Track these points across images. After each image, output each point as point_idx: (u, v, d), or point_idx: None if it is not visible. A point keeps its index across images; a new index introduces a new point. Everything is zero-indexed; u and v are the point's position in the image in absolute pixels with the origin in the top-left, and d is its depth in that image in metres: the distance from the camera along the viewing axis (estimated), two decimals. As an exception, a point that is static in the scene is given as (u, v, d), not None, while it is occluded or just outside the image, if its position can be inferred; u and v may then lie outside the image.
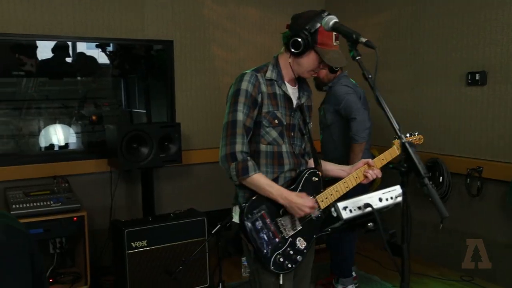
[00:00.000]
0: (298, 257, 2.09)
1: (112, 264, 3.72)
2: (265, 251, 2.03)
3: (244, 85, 2.05)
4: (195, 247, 3.46)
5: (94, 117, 6.08)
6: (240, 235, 2.07)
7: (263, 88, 2.08)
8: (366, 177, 2.16)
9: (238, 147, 2.02)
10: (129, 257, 3.33)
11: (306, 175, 2.15)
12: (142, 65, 5.51)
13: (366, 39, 1.65)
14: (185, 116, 4.36)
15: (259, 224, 2.03)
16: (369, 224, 1.63)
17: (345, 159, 3.36)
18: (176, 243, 3.48)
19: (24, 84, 6.11)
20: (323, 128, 3.60)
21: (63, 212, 3.51)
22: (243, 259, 3.95)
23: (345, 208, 1.59)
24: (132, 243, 3.34)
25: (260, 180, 2.04)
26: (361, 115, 3.27)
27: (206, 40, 4.50)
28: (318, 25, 1.96)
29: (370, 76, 1.64)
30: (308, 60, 2.07)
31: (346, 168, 2.25)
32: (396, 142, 2.53)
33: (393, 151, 2.41)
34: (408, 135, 2.48)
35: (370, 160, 2.19)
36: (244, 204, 2.05)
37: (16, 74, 5.74)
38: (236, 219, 2.14)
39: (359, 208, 1.60)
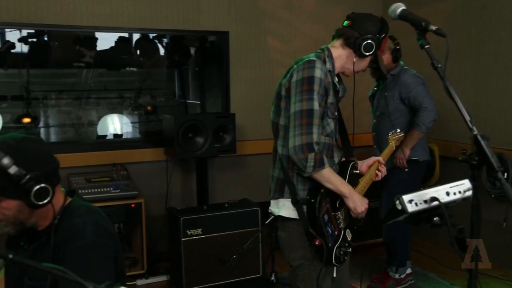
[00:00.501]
0: (349, 248, 2.13)
1: (167, 250, 3.80)
2: (329, 244, 2.02)
3: (318, 72, 2.00)
4: (248, 237, 3.49)
5: (149, 107, 6.23)
6: (308, 230, 2.02)
7: (329, 77, 2.06)
8: (377, 175, 2.28)
9: (315, 137, 1.96)
10: (184, 244, 3.39)
11: (349, 168, 2.17)
12: (197, 56, 5.58)
13: (436, 27, 1.58)
14: (239, 107, 4.38)
15: (326, 217, 2.02)
16: (435, 219, 1.56)
17: None
18: (230, 232, 3.51)
19: (84, 75, 6.34)
20: (379, 115, 3.57)
21: (121, 198, 3.63)
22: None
23: (410, 201, 1.53)
24: (188, 231, 3.40)
25: (332, 173, 2.04)
26: (431, 105, 3.33)
27: (261, 31, 4.48)
28: (384, 34, 2.11)
29: (439, 65, 1.57)
30: (366, 62, 2.17)
31: (358, 162, 2.29)
32: (391, 138, 2.61)
33: (391, 148, 2.54)
34: (390, 133, 2.68)
35: (380, 158, 2.31)
36: (313, 198, 2.02)
37: (76, 65, 5.96)
38: (284, 213, 2.12)
39: (425, 201, 1.54)
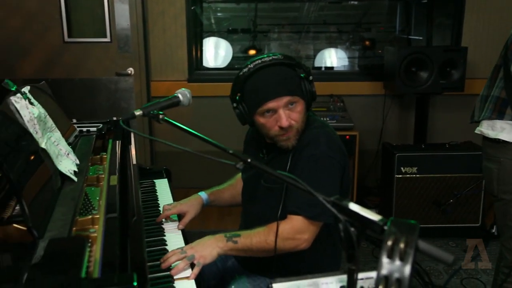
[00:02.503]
0: None
1: (377, 185, 3.76)
2: None
3: None
4: (469, 182, 3.21)
5: (367, 42, 6.06)
6: None
7: None
8: None
9: None
10: (397, 182, 3.30)
11: None
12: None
13: None
14: (472, 41, 3.92)
15: None
16: None
17: None
18: (448, 175, 3.27)
19: (305, 9, 6.44)
20: None
21: (337, 129, 3.58)
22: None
23: None
24: (402, 168, 3.28)
25: None
26: None
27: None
28: None
29: None
30: None
31: None
32: None
33: None
34: None
35: None
36: None
37: (299, -1, 6.05)
38: (504, 136, 1.92)
39: None
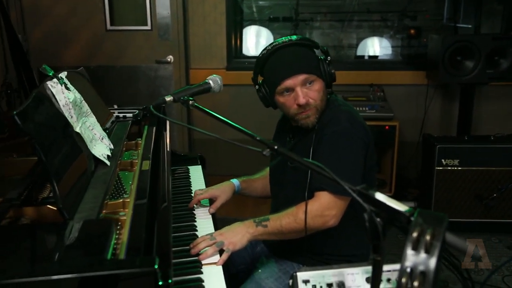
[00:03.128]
0: None
1: (417, 177, 3.67)
2: None
3: None
4: (514, 176, 3.08)
5: (412, 31, 5.87)
6: None
7: None
8: None
9: None
10: (437, 174, 3.19)
11: None
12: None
13: None
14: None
15: None
16: None
17: None
18: (493, 168, 3.14)
19: (350, -4, 6.31)
20: None
21: (376, 119, 3.59)
22: None
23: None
24: (443, 160, 3.18)
25: None
26: None
27: None
28: None
29: None
30: None
31: None
32: None
33: None
34: None
35: None
36: None
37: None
38: None
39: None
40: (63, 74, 1.60)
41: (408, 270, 0.85)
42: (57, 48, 3.98)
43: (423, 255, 0.85)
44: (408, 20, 6.08)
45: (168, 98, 1.42)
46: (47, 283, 0.88)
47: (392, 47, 6.04)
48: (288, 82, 1.60)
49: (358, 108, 3.63)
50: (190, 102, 1.41)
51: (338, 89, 3.90)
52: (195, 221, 1.78)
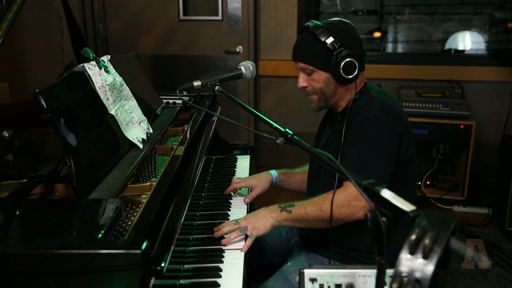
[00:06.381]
0: None
1: (495, 182, 3.37)
2: None
3: None
4: None
5: (510, 24, 5.40)
6: None
7: None
8: None
9: None
10: (516, 180, 2.92)
11: None
12: None
13: None
14: None
15: None
16: None
17: None
18: None
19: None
20: None
21: (450, 117, 3.35)
22: None
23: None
24: (522, 165, 2.89)
25: None
26: None
27: None
28: None
29: None
30: None
31: None
32: None
33: None
34: None
35: None
36: None
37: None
38: None
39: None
40: (105, 58, 1.64)
41: (404, 275, 0.77)
42: (133, 37, 4.15)
43: (420, 260, 0.76)
44: (505, 12, 5.60)
45: (196, 83, 1.41)
46: (30, 256, 0.91)
47: (485, 42, 5.61)
48: (296, 65, 1.65)
49: (430, 105, 3.41)
50: (216, 87, 1.38)
51: (412, 84, 3.71)
52: (229, 210, 1.76)
